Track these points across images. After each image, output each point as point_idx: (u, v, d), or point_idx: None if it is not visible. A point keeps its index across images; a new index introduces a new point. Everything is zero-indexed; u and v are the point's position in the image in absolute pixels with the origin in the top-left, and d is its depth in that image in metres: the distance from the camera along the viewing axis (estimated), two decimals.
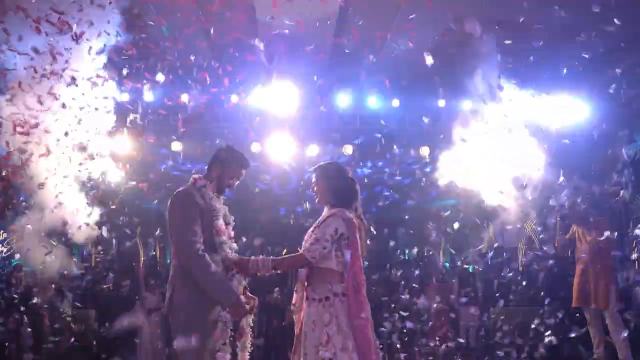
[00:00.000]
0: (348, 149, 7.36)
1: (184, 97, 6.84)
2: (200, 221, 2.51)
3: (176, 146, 7.08)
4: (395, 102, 6.96)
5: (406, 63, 6.47)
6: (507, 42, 5.18)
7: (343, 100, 7.07)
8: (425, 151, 7.22)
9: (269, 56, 6.36)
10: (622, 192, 5.76)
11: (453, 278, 6.86)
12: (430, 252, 9.32)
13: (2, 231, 7.48)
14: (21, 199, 5.05)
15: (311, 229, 2.71)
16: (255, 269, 2.55)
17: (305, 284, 2.65)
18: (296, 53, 6.57)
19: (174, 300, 2.50)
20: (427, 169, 8.64)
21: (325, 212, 2.73)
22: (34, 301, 5.95)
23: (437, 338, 6.49)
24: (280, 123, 7.09)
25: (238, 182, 2.78)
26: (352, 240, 2.59)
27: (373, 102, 7.04)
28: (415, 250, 9.41)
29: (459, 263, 8.29)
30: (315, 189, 2.80)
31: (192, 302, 2.45)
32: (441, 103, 6.82)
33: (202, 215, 2.53)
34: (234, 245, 2.72)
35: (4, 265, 7.02)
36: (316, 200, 2.83)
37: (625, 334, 4.68)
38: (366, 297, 2.60)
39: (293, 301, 2.75)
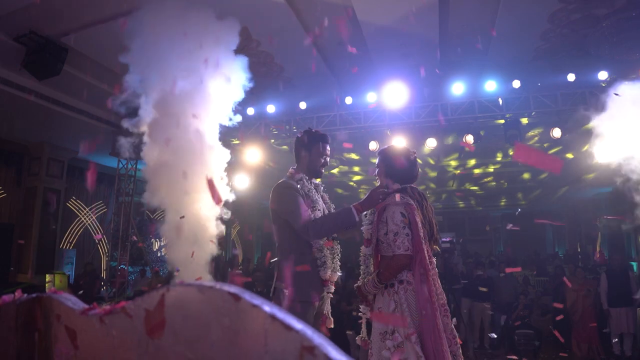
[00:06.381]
0: (469, 139, 6.92)
1: (302, 105, 7.38)
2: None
3: None
4: (516, 83, 6.31)
5: (525, 38, 5.88)
6: None
7: (458, 88, 6.72)
8: (557, 132, 6.35)
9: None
10: None
11: (600, 276, 5.91)
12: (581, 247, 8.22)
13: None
14: None
15: (370, 222, 2.61)
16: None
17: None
18: (402, 49, 6.48)
19: (282, 278, 2.57)
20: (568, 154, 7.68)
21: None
22: None
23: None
24: (396, 120, 7.07)
25: (328, 158, 2.85)
26: (413, 225, 2.48)
27: (491, 86, 6.52)
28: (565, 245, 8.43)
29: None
30: (376, 172, 2.77)
31: (298, 278, 2.49)
32: (571, 77, 5.96)
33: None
34: None
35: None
36: (377, 183, 2.76)
37: None
38: (435, 284, 2.49)
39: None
